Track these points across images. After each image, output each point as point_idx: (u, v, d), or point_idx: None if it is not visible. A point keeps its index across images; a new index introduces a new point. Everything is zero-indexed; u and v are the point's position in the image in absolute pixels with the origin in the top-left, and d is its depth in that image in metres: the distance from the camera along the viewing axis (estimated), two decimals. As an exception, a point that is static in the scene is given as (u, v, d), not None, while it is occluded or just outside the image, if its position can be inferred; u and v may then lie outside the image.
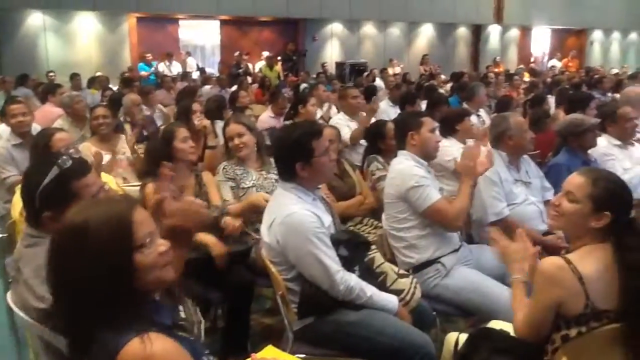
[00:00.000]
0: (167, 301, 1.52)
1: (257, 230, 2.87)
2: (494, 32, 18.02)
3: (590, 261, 1.84)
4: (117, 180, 3.82)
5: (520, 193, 3.36)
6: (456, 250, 2.95)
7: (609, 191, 1.88)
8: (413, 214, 2.89)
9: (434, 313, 2.78)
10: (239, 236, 3.10)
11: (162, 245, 1.42)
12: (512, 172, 3.41)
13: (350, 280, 2.34)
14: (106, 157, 4.05)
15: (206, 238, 2.93)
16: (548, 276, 1.85)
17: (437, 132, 3.23)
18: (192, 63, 14.12)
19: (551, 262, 1.86)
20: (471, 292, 2.75)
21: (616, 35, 20.61)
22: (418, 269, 2.89)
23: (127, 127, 5.23)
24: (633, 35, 20.98)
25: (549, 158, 4.36)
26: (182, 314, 1.93)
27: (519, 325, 1.98)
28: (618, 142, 4.10)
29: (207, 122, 4.54)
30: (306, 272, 2.34)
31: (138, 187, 3.25)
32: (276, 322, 3.33)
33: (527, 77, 12.34)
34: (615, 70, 14.94)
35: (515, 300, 2.08)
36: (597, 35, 20.11)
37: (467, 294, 2.77)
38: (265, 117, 6.02)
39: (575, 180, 1.96)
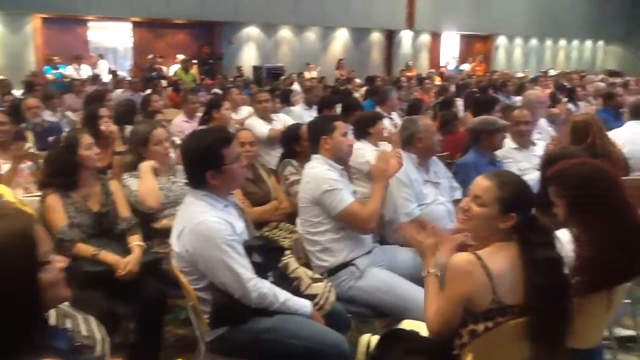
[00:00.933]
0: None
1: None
2: (406, 37, 18.54)
3: (499, 258, 1.90)
4: (18, 191, 3.58)
5: (430, 193, 3.44)
6: (369, 252, 2.98)
7: (515, 193, 1.95)
8: (327, 218, 2.89)
9: (349, 315, 2.79)
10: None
11: (61, 261, 1.35)
12: (422, 173, 3.49)
13: (263, 287, 2.30)
14: (5, 167, 3.79)
15: (107, 257, 2.81)
16: (458, 271, 1.89)
17: (350, 136, 3.26)
18: (104, 66, 13.57)
19: (462, 258, 1.91)
20: (384, 293, 2.79)
21: (519, 41, 21.76)
22: (333, 272, 2.89)
23: (29, 134, 4.91)
24: (534, 41, 22.24)
25: (457, 158, 4.51)
26: (84, 332, 1.82)
27: (431, 321, 2.01)
28: (515, 145, 4.27)
29: (114, 128, 4.34)
30: (217, 281, 2.28)
31: (39, 198, 3.05)
32: (191, 333, 3.23)
33: (437, 81, 12.78)
34: (519, 74, 15.76)
35: (427, 295, 2.11)
36: (501, 40, 21.14)
37: (380, 294, 2.80)
38: (178, 122, 5.86)
39: (482, 184, 2.01)
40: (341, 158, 3.05)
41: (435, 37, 19.41)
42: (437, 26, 18.65)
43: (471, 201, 2.02)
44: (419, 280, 2.50)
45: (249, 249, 2.37)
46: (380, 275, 2.87)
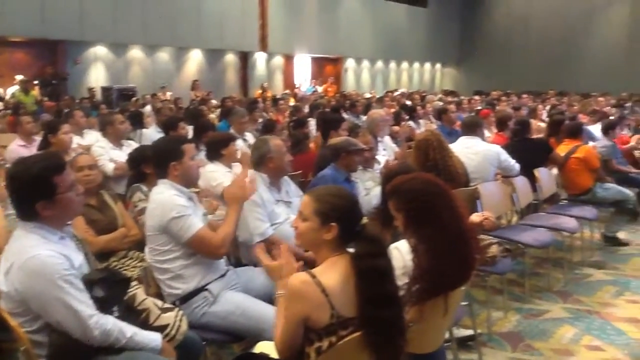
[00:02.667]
0: None
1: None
2: (260, 59, 18.73)
3: (333, 273, 1.93)
4: None
5: (282, 212, 3.46)
6: (223, 276, 2.90)
7: (331, 204, 2.01)
8: (176, 245, 2.77)
9: (204, 343, 2.70)
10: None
11: None
12: (274, 192, 3.50)
13: (106, 324, 2.14)
14: None
15: None
16: (293, 292, 1.90)
17: (202, 156, 3.18)
18: None
19: (296, 278, 1.92)
20: (238, 316, 2.73)
21: (366, 63, 22.96)
22: (185, 299, 2.78)
23: None
24: (379, 64, 23.60)
25: (310, 177, 4.59)
26: None
27: (276, 342, 2.00)
28: (360, 167, 4.40)
29: None
30: (53, 321, 2.08)
31: None
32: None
33: (292, 102, 13.04)
34: (367, 95, 16.59)
35: (277, 317, 2.10)
36: (350, 63, 22.16)
37: (234, 318, 2.74)
38: (14, 147, 5.34)
39: (304, 200, 2.09)
40: (190, 182, 2.96)
41: (289, 59, 19.85)
42: (290, 48, 19.09)
43: (298, 218, 2.08)
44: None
45: (90, 282, 2.19)
46: (234, 299, 2.80)
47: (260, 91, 16.35)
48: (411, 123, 8.26)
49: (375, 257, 1.93)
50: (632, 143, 7.31)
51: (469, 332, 3.57)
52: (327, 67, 21.60)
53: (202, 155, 4.46)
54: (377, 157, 4.81)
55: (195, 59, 17.10)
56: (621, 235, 5.95)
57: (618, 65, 20.99)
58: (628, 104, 13.04)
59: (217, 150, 4.36)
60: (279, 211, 3.45)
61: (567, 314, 4.20)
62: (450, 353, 2.97)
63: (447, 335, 2.79)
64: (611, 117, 7.85)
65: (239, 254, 3.49)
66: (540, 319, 4.09)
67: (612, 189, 5.76)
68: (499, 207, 4.86)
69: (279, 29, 17.99)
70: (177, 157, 2.86)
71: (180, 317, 2.48)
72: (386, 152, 5.62)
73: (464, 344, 3.56)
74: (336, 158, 4.08)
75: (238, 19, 16.80)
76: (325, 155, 4.35)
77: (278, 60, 19.52)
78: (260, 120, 7.91)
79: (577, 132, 5.98)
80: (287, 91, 16.57)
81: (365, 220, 1.99)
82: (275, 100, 12.18)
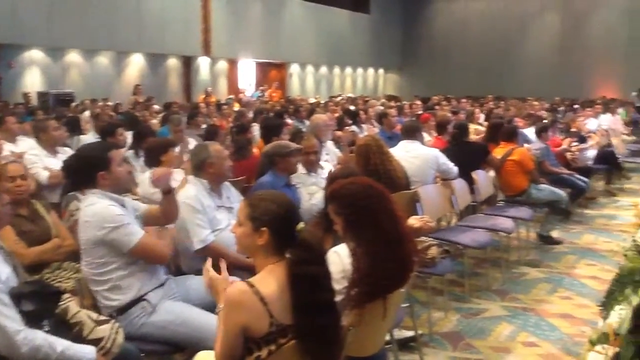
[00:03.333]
0: None
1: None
2: (203, 63, 18.48)
3: (271, 280, 1.92)
4: None
5: (224, 219, 3.41)
6: (162, 285, 2.83)
7: (262, 209, 2.00)
8: (115, 256, 2.69)
9: (143, 354, 2.62)
10: None
11: None
12: (214, 198, 3.45)
13: (35, 339, 2.05)
14: None
15: None
16: (231, 302, 1.88)
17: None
18: None
19: (234, 288, 1.90)
20: (178, 326, 2.68)
21: (310, 68, 23.04)
22: (123, 310, 2.70)
23: None
24: (323, 69, 23.72)
25: (253, 182, 4.55)
26: None
27: (216, 354, 1.96)
28: (304, 171, 4.42)
29: None
30: (-23, 339, 1.97)
31: None
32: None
33: (237, 107, 12.91)
34: (312, 100, 16.64)
35: (218, 330, 2.06)
36: (294, 68, 22.18)
37: (174, 327, 2.68)
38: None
39: (240, 205, 2.10)
40: (122, 187, 2.89)
41: (233, 63, 19.68)
42: (234, 53, 18.92)
43: (236, 223, 2.09)
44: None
45: (18, 296, 2.10)
46: (172, 308, 2.74)
47: (204, 96, 16.14)
48: (354, 128, 8.33)
49: (309, 264, 1.92)
50: (564, 145, 7.63)
51: (410, 333, 3.62)
52: (271, 72, 21.55)
53: (141, 161, 4.35)
54: (320, 162, 4.82)
55: (136, 63, 16.69)
56: (555, 234, 6.19)
57: (551, 71, 21.90)
58: (561, 108, 13.63)
59: (156, 156, 4.27)
60: (221, 217, 3.40)
61: (505, 312, 4.32)
62: (391, 355, 3.00)
63: (387, 337, 2.82)
64: (545, 121, 8.15)
65: (179, 261, 3.41)
66: (480, 318, 4.20)
67: (545, 189, 5.99)
68: (439, 209, 4.96)
69: (223, 33, 17.81)
70: (103, 166, 2.76)
71: (116, 330, 2.41)
72: (329, 157, 5.65)
73: (406, 345, 3.61)
74: (273, 164, 4.07)
75: (180, 22, 16.52)
76: (264, 162, 4.33)
77: (222, 65, 19.32)
78: (204, 125, 7.80)
79: (512, 135, 6.19)
80: (232, 96, 16.40)
81: (301, 225, 1.98)
82: (219, 106, 12.04)
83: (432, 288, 4.36)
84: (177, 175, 4.17)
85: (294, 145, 4.23)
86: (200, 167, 3.47)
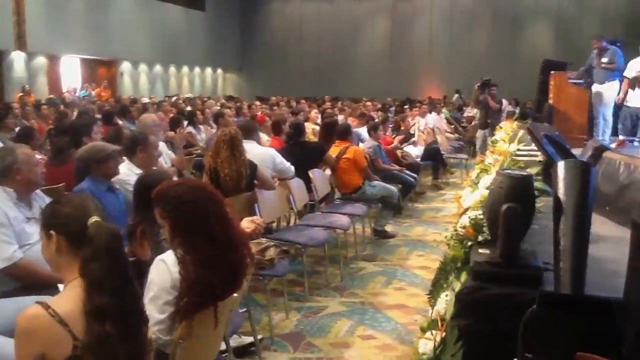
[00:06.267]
0: None
1: None
2: (18, 59, 16.77)
3: (69, 298, 1.71)
4: None
5: (34, 232, 3.05)
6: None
7: (49, 213, 1.86)
8: None
9: None
10: None
11: None
12: (23, 209, 3.09)
13: None
14: None
15: None
16: (22, 330, 1.66)
17: None
18: None
19: (26, 315, 1.68)
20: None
21: (143, 67, 22.05)
22: None
23: None
24: (158, 68, 22.86)
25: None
26: None
27: None
28: (139, 170, 4.17)
29: None
30: None
31: None
32: None
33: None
34: (146, 100, 15.90)
35: None
36: (126, 66, 21.06)
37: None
38: None
39: None
40: None
41: (53, 60, 18.13)
42: (53, 48, 17.43)
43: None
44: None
45: None
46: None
47: (20, 94, 14.66)
48: (191, 129, 8.10)
49: (92, 261, 1.71)
50: (395, 143, 8.12)
51: (250, 338, 3.57)
52: (100, 70, 20.25)
53: None
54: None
55: None
56: (388, 228, 6.55)
57: (383, 73, 23.36)
58: (392, 108, 14.56)
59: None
60: (30, 231, 3.04)
61: (343, 307, 4.45)
62: (230, 363, 2.91)
63: (223, 346, 2.73)
64: (376, 120, 8.61)
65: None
66: (320, 316, 4.27)
67: (378, 186, 6.31)
68: (277, 209, 4.98)
69: (40, 26, 16.29)
70: None
71: None
72: (162, 158, 5.40)
73: (246, 351, 3.55)
74: (88, 170, 3.76)
75: (-12, 13, 14.86)
76: (79, 167, 3.99)
77: (41, 61, 17.69)
78: (18, 128, 7.06)
79: (346, 134, 6.43)
80: (52, 96, 15.09)
81: (92, 220, 1.76)
82: (37, 106, 11.00)
83: (272, 290, 4.35)
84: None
85: (110, 146, 3.91)
86: (5, 173, 3.09)
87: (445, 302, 2.39)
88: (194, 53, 23.42)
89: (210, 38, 24.15)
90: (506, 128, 6.81)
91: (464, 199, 3.50)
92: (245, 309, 3.38)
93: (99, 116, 8.45)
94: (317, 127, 8.36)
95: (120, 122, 8.34)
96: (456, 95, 19.93)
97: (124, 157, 4.13)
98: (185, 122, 8.15)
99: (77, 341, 1.66)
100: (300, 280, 4.85)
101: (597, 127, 7.65)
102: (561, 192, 2.07)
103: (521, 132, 5.07)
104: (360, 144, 7.35)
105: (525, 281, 2.14)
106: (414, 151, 8.91)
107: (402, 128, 9.73)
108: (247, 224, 2.79)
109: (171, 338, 2.14)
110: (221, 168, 4.34)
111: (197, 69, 25.12)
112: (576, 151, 4.41)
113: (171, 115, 8.96)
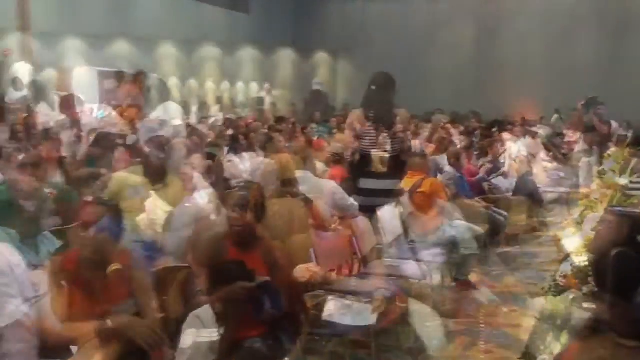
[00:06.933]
0: None
1: None
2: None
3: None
4: None
5: (42, 282, 3.24)
6: None
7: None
8: None
9: None
10: None
11: None
12: (28, 255, 3.27)
13: None
14: None
15: None
16: None
17: None
18: None
19: None
20: None
21: (174, 80, 22.62)
22: None
23: None
24: (192, 82, 23.37)
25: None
26: None
27: None
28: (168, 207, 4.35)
29: None
30: None
31: None
32: None
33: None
34: (177, 122, 16.31)
35: None
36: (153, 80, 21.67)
37: None
38: None
39: None
40: None
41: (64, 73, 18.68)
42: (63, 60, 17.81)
43: None
44: None
45: None
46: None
47: (25, 115, 15.10)
48: (232, 156, 8.34)
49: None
50: (481, 174, 8.05)
51: None
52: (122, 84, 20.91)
53: None
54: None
55: None
56: (473, 277, 6.52)
57: (465, 89, 23.22)
58: (477, 131, 14.48)
59: None
60: (37, 280, 3.22)
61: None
62: None
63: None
64: (458, 146, 8.59)
65: None
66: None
67: (460, 226, 6.30)
68: (337, 255, 5.00)
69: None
70: None
71: None
72: (197, 193, 5.59)
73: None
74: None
75: None
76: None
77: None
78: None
79: (421, 164, 6.48)
80: (63, 116, 15.48)
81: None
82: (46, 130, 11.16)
83: (331, 353, 4.40)
84: None
85: None
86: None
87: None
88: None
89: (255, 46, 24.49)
90: (616, 156, 6.70)
91: (565, 242, 3.51)
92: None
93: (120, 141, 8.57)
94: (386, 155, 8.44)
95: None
96: (555, 116, 19.55)
97: (151, 192, 4.28)
98: (226, 149, 8.35)
99: None
100: (366, 341, 4.89)
101: None
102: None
103: (634, 161, 5.01)
104: (439, 175, 7.37)
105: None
106: (504, 184, 8.85)
107: (490, 155, 9.69)
108: (301, 273, 2.84)
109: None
110: (269, 204, 4.45)
111: (239, 84, 25.46)
112: None
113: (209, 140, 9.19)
